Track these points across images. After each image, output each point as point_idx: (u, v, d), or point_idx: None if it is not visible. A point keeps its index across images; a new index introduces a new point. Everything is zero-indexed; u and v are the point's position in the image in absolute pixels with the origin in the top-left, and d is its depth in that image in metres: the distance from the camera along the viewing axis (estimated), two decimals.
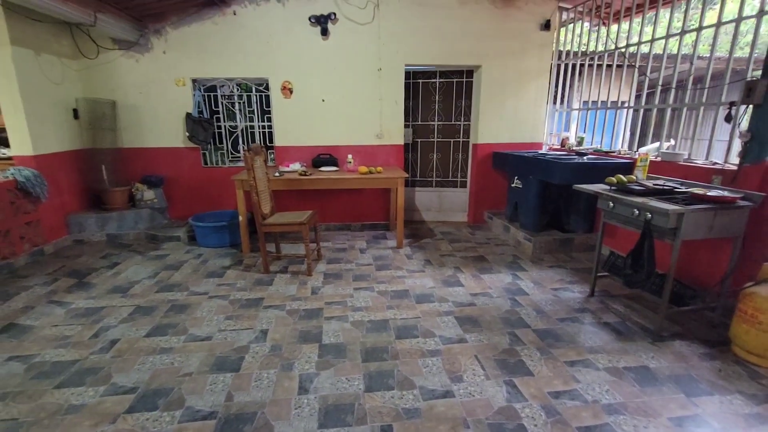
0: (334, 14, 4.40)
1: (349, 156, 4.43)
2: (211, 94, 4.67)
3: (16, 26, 3.54)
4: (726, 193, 2.44)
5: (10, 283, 3.28)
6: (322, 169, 4.43)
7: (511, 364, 2.23)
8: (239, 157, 4.88)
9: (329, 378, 2.12)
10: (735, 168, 2.69)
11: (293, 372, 2.17)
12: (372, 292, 3.17)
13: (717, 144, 3.09)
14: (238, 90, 4.69)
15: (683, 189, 2.65)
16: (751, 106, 2.58)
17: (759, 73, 2.56)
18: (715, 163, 2.98)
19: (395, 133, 4.85)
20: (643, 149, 3.95)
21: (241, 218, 3.94)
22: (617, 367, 2.20)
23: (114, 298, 3.06)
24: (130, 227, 4.44)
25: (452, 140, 5.24)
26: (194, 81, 4.56)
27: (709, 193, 2.41)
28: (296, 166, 4.38)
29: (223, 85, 4.65)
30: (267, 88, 4.65)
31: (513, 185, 4.52)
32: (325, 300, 3.03)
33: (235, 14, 4.35)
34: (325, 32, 4.44)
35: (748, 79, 2.60)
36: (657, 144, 3.78)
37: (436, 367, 2.20)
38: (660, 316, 2.48)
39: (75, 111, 4.28)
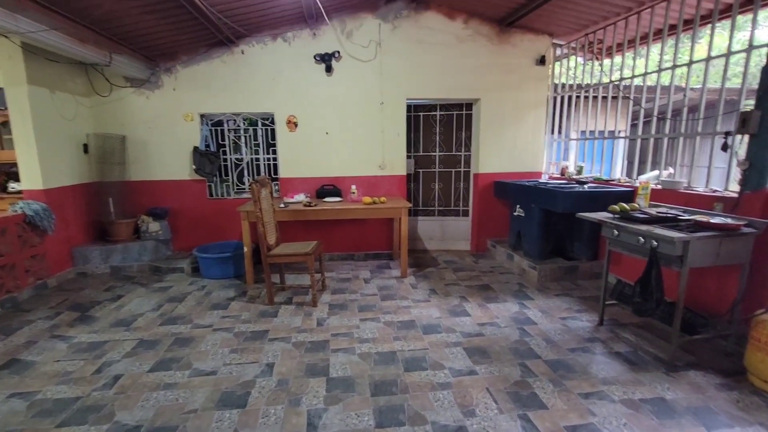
0: (338, 52, 4.60)
1: (353, 186, 4.49)
2: (218, 128, 4.79)
3: (34, 66, 3.68)
4: (729, 221, 2.47)
5: (14, 318, 3.25)
6: (327, 199, 4.49)
7: (524, 397, 2.18)
8: (244, 188, 4.94)
9: (338, 413, 2.06)
10: (736, 195, 2.73)
11: (301, 408, 2.11)
12: (378, 322, 3.14)
13: (715, 170, 3.15)
14: (244, 124, 4.82)
15: (686, 216, 2.68)
16: (746, 135, 2.65)
17: (752, 102, 2.65)
18: (716, 191, 3.02)
19: (398, 164, 4.94)
20: (643, 177, 4.02)
21: (246, 249, 3.95)
22: (633, 399, 2.15)
23: (117, 331, 3.02)
24: (135, 259, 4.44)
25: (453, 170, 5.33)
26: (202, 116, 4.69)
27: (712, 221, 2.44)
28: (301, 197, 4.44)
29: (229, 120, 4.79)
30: (272, 122, 4.78)
31: (515, 213, 4.55)
32: (331, 331, 2.99)
33: (243, 53, 4.54)
34: (329, 69, 4.62)
35: (741, 109, 2.68)
36: (656, 172, 3.85)
37: (447, 401, 2.15)
38: (673, 346, 2.44)
39: (85, 146, 4.39)
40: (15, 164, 3.95)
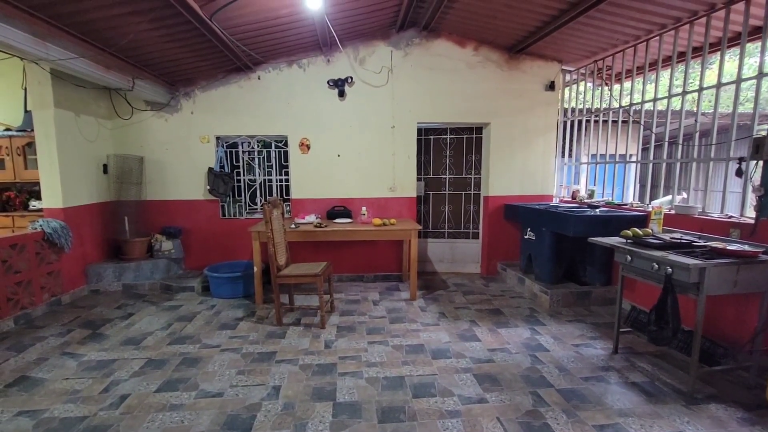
0: (351, 78, 4.73)
1: (364, 208, 4.53)
2: (233, 149, 4.92)
3: (61, 91, 3.86)
4: (747, 247, 2.42)
5: (27, 334, 3.29)
6: (337, 221, 4.52)
7: (536, 428, 2.11)
8: (256, 209, 5.02)
9: None
10: (752, 221, 2.68)
11: None
12: (386, 346, 3.10)
13: (730, 195, 3.10)
14: (258, 146, 4.94)
15: (701, 243, 2.63)
16: (761, 161, 2.62)
17: (765, 127, 2.64)
18: (731, 216, 2.97)
19: (408, 186, 4.98)
20: (655, 202, 3.97)
21: (256, 269, 3.97)
22: None
23: (126, 350, 3.03)
24: (146, 277, 4.49)
25: (463, 192, 5.35)
26: (218, 138, 4.83)
27: (729, 247, 2.39)
28: (311, 218, 4.48)
29: (244, 142, 4.91)
30: (286, 144, 4.89)
31: (526, 237, 4.52)
32: (339, 354, 2.96)
33: (259, 78, 4.70)
34: (342, 94, 4.74)
35: (755, 135, 2.67)
36: (669, 197, 3.81)
37: (456, 430, 2.09)
38: (692, 377, 2.35)
39: (105, 166, 4.53)
40: (37, 183, 4.09)
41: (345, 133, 4.84)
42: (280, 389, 2.49)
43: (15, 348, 3.04)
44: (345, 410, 2.27)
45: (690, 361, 2.36)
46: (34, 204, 4.49)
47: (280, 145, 4.94)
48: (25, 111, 4.30)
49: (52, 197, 3.94)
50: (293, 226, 4.14)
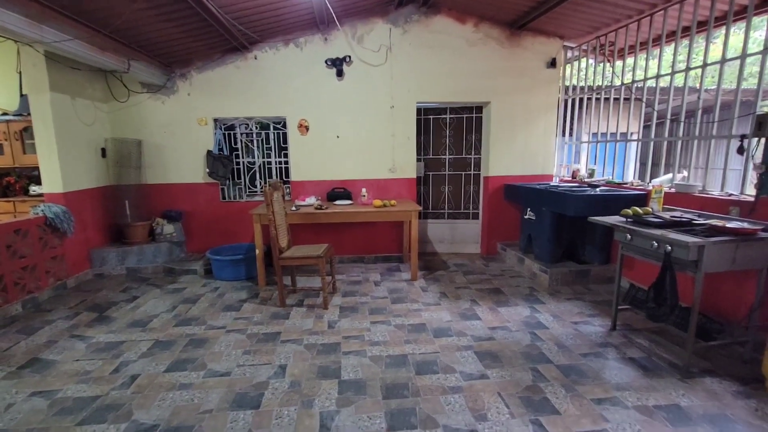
0: (349, 57, 4.64)
1: (364, 190, 4.52)
2: (231, 132, 4.87)
3: (56, 74, 3.80)
4: (746, 225, 2.43)
5: (35, 317, 3.35)
6: (337, 202, 4.53)
7: (535, 402, 2.18)
8: (256, 191, 5.01)
9: (350, 416, 2.08)
10: (752, 199, 2.69)
11: (313, 409, 2.14)
12: (389, 326, 3.15)
13: (731, 173, 3.10)
14: (256, 128, 4.90)
15: (701, 221, 2.64)
16: (763, 138, 2.61)
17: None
18: (731, 194, 2.98)
19: (408, 167, 4.96)
20: (656, 181, 3.97)
21: (258, 251, 4.00)
22: (647, 405, 2.13)
23: (134, 332, 3.09)
24: (149, 261, 4.53)
25: (463, 173, 5.33)
26: (216, 120, 4.78)
27: (728, 225, 2.41)
28: (312, 200, 4.48)
29: (242, 124, 4.87)
30: (284, 125, 4.84)
31: (526, 217, 4.54)
32: (343, 334, 3.02)
33: (256, 59, 4.62)
34: (340, 73, 4.67)
35: (758, 112, 2.65)
36: (670, 175, 3.80)
37: (458, 405, 2.16)
38: (688, 352, 2.41)
39: (103, 150, 4.50)
40: (36, 168, 4.07)
41: (344, 113, 4.78)
42: (286, 368, 2.55)
43: (25, 331, 3.10)
44: (350, 387, 2.33)
45: (686, 336, 2.42)
46: (34, 189, 4.48)
47: (278, 126, 4.89)
48: (21, 95, 4.24)
49: (52, 182, 3.93)
50: (294, 208, 4.14)
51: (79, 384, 2.40)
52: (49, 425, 2.04)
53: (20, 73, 3.87)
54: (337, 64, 4.63)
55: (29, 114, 3.86)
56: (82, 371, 2.54)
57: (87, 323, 3.25)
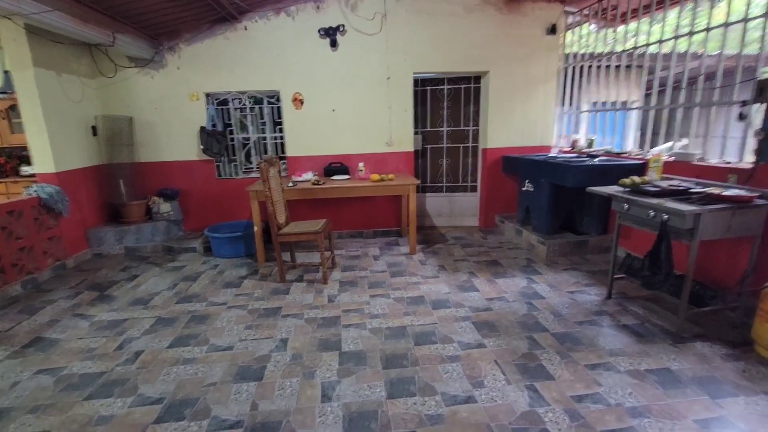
0: (343, 26, 4.48)
1: (361, 164, 4.48)
2: (224, 107, 4.77)
3: (39, 49, 3.67)
4: (743, 192, 2.43)
5: (36, 298, 3.38)
6: (335, 177, 4.49)
7: (531, 369, 2.24)
8: (252, 168, 4.96)
9: (351, 385, 2.14)
10: (750, 167, 2.68)
11: (315, 380, 2.20)
12: (388, 299, 3.20)
13: (730, 141, 3.07)
14: (249, 102, 4.79)
15: (699, 189, 2.64)
16: (763, 104, 2.57)
17: None
18: (730, 162, 2.96)
19: (405, 141, 4.90)
20: (655, 150, 3.93)
21: (256, 228, 4.00)
22: (639, 369, 2.20)
23: (136, 310, 3.13)
24: (148, 240, 4.53)
25: (461, 146, 5.27)
26: (207, 95, 4.66)
27: (725, 193, 2.40)
28: (309, 176, 4.44)
29: (235, 98, 4.75)
30: (278, 99, 4.74)
31: (524, 189, 4.52)
32: (342, 308, 3.06)
33: (246, 29, 4.46)
34: (334, 44, 4.52)
35: (759, 78, 2.59)
36: (669, 144, 3.76)
37: (456, 373, 2.22)
38: (680, 318, 2.46)
39: (94, 128, 4.41)
40: (26, 148, 4.00)
41: (339, 86, 4.67)
42: (288, 342, 2.60)
43: (26, 311, 3.13)
44: (351, 358, 2.39)
45: (679, 303, 2.46)
46: (25, 169, 4.43)
47: (272, 100, 4.78)
48: (4, 72, 4.10)
49: (43, 162, 3.87)
50: (291, 184, 4.11)
51: (84, 361, 2.45)
52: (57, 401, 2.10)
53: (1, 48, 3.73)
54: (331, 34, 4.48)
55: (13, 91, 3.75)
56: (86, 349, 2.58)
57: (89, 302, 3.28)
